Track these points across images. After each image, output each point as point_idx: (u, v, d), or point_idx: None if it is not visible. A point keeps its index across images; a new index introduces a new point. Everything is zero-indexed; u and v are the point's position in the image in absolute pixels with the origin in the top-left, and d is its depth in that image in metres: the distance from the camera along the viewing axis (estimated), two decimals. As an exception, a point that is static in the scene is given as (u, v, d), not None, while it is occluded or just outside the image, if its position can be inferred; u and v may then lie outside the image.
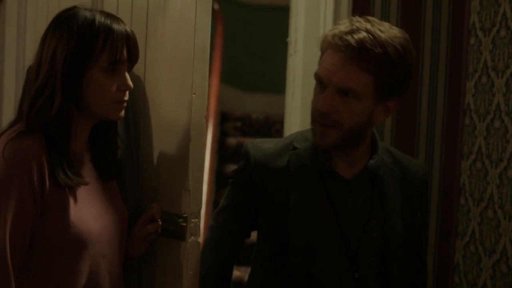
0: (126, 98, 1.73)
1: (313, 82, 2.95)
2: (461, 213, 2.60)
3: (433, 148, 2.73)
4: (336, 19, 2.80)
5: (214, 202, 4.21)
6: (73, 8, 1.72)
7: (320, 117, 1.66)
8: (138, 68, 1.88)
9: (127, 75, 1.71)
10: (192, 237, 1.76)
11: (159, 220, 1.79)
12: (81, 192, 1.69)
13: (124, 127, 1.91)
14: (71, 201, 1.64)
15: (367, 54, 1.60)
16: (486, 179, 2.46)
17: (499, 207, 2.37)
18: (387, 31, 1.64)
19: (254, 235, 4.30)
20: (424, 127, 2.74)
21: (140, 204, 1.90)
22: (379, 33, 1.62)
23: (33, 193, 1.60)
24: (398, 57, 1.63)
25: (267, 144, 1.78)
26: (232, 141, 4.90)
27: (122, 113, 1.74)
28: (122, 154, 1.88)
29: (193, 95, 1.72)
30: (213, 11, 4.48)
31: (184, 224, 1.73)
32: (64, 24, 1.67)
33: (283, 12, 3.63)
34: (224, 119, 5.05)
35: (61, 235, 1.63)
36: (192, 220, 1.74)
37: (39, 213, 1.62)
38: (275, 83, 5.33)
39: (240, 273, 4.27)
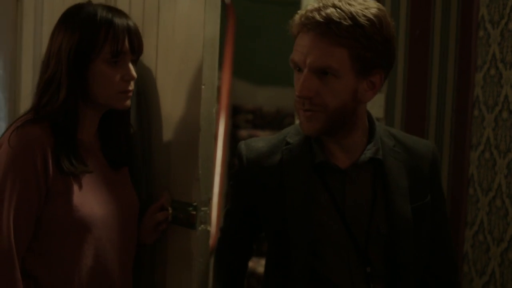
0: (131, 88, 1.78)
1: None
2: (470, 203, 2.61)
3: (442, 139, 2.75)
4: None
5: (226, 194, 4.25)
6: (78, 4, 1.79)
7: (302, 104, 1.58)
8: (149, 61, 1.93)
9: (130, 65, 1.76)
10: (202, 225, 1.80)
11: (169, 208, 1.84)
12: (87, 178, 1.74)
13: (136, 118, 1.95)
14: (75, 187, 1.71)
15: (336, 28, 1.52)
16: (494, 169, 2.47)
17: (507, 197, 2.39)
18: (359, 4, 1.56)
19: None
20: (434, 118, 2.75)
21: (151, 193, 1.95)
22: (347, 6, 1.54)
23: (37, 178, 1.66)
24: (372, 27, 1.54)
25: (260, 143, 1.71)
26: (243, 133, 4.94)
27: (128, 102, 1.79)
28: (134, 144, 1.94)
29: (203, 86, 1.75)
30: (225, 4, 4.51)
31: (194, 213, 1.77)
32: (69, 19, 1.75)
33: (293, 6, 3.64)
34: (235, 112, 5.07)
35: (65, 219, 1.70)
36: (202, 209, 1.78)
37: (44, 197, 1.68)
38: (286, 77, 5.34)
39: (251, 263, 4.32)
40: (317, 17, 1.52)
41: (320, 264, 1.63)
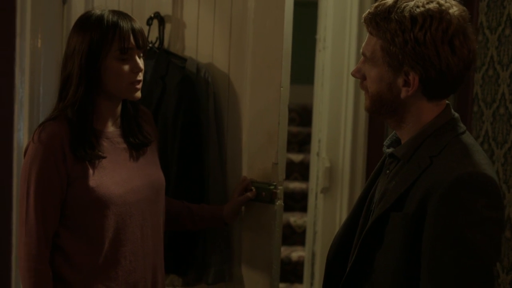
0: (140, 78, 2.17)
1: (339, 74, 3.55)
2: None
3: (445, 132, 3.19)
4: (360, 18, 3.40)
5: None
6: (88, 11, 2.21)
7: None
8: (223, 66, 2.49)
9: (138, 59, 2.16)
10: (279, 201, 2.37)
11: (253, 188, 2.40)
12: (104, 162, 2.16)
13: (215, 116, 2.49)
14: (90, 171, 2.12)
15: (373, 19, 1.68)
16: (492, 159, 2.87)
17: (504, 182, 2.81)
18: (418, 1, 1.65)
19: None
20: (437, 114, 3.21)
21: (225, 177, 2.52)
22: (399, 1, 1.65)
23: (57, 166, 2.09)
24: (399, 24, 1.62)
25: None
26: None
27: (139, 93, 2.18)
28: (211, 136, 2.50)
29: (281, 88, 2.31)
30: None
31: (276, 191, 2.36)
32: (80, 25, 2.16)
33: (309, 8, 4.16)
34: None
35: (84, 199, 2.12)
36: (279, 187, 2.36)
37: (65, 183, 2.11)
38: (293, 75, 5.83)
39: (286, 251, 4.76)
40: (371, 9, 1.71)
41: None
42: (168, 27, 2.69)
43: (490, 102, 2.96)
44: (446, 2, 1.66)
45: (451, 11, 1.65)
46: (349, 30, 3.50)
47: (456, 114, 1.74)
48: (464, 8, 1.69)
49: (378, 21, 1.67)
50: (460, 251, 1.55)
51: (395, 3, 1.66)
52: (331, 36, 3.57)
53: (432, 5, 1.64)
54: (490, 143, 2.95)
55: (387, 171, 1.77)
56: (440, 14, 1.63)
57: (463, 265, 1.55)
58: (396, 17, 1.64)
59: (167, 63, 2.58)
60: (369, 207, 1.81)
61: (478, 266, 1.55)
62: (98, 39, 2.11)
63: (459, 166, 1.60)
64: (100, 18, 2.14)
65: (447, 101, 1.77)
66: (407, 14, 1.63)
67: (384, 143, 1.84)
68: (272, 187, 2.37)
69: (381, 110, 1.75)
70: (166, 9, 2.69)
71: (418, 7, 1.63)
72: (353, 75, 1.78)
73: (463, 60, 1.65)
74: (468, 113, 3.09)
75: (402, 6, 1.64)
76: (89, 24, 2.14)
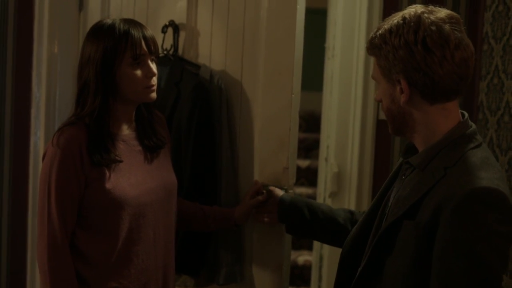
0: (154, 83, 2.24)
1: (348, 82, 3.61)
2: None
3: (450, 140, 3.24)
4: (368, 28, 3.50)
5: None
6: (100, 21, 2.28)
7: None
8: (236, 73, 2.56)
9: (150, 64, 2.23)
10: (290, 204, 2.44)
11: (264, 191, 2.47)
12: (121, 165, 2.23)
13: (228, 122, 2.55)
14: (107, 174, 2.19)
15: (369, 42, 1.79)
16: None
17: (510, 189, 2.89)
18: (398, 17, 1.74)
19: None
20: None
21: (237, 180, 2.59)
22: (389, 19, 1.77)
23: (75, 169, 2.16)
24: (382, 38, 1.73)
25: None
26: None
27: (153, 95, 2.26)
28: (223, 141, 2.56)
29: (292, 95, 2.38)
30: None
31: (286, 194, 2.43)
32: (94, 34, 2.24)
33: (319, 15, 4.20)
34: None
35: (101, 200, 2.19)
36: (290, 191, 2.43)
37: (83, 184, 2.18)
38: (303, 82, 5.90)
39: (292, 255, 4.76)
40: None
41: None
42: (182, 35, 2.76)
43: (495, 110, 3.03)
44: (426, 9, 1.74)
45: (425, 15, 1.71)
46: (358, 38, 3.56)
47: (474, 126, 1.77)
48: (448, 12, 1.74)
49: (372, 42, 1.77)
50: (469, 264, 1.59)
51: (385, 23, 1.77)
52: (340, 44, 3.63)
53: (408, 14, 1.73)
54: (495, 150, 3.01)
55: (403, 177, 1.82)
56: (413, 18, 1.71)
57: (471, 276, 1.59)
58: (380, 33, 1.75)
59: (181, 70, 2.65)
60: (384, 210, 1.85)
61: (486, 278, 1.60)
62: (111, 47, 2.19)
63: (472, 180, 1.61)
64: (112, 27, 2.21)
65: (464, 112, 1.81)
66: (387, 27, 1.73)
67: (403, 149, 1.89)
68: (283, 190, 2.43)
69: (398, 127, 1.80)
70: (180, 18, 2.75)
71: (394, 19, 1.74)
72: (376, 100, 1.88)
73: (441, 58, 1.68)
74: (473, 121, 2.96)
75: (388, 22, 1.75)
76: (101, 33, 2.21)
